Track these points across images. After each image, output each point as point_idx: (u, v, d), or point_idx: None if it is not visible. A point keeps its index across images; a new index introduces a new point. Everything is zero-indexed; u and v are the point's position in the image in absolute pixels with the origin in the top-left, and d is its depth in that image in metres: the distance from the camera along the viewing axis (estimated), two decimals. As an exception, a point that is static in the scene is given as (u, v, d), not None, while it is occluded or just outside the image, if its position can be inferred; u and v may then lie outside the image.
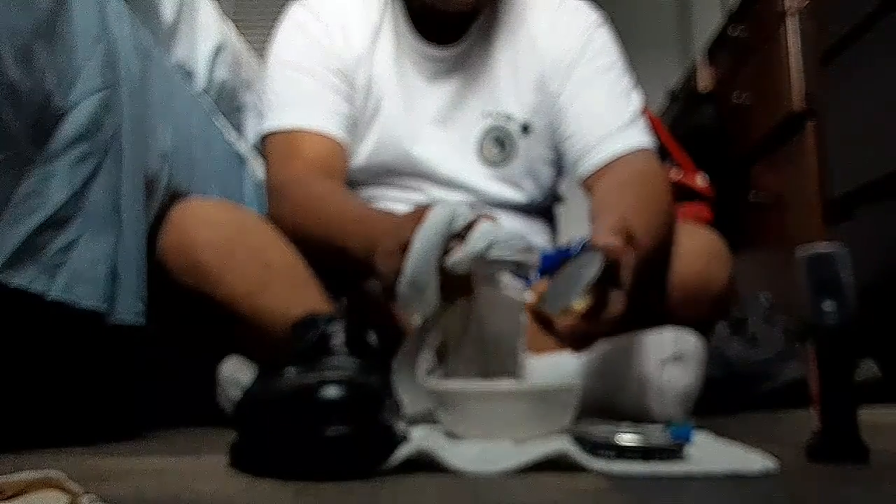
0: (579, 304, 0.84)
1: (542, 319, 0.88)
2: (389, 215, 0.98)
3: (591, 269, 0.84)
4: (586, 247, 0.89)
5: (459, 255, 0.85)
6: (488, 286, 0.91)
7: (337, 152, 1.17)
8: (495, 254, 0.85)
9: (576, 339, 0.88)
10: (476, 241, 0.85)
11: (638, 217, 0.95)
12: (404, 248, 0.85)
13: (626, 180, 1.11)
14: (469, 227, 0.87)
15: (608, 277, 0.84)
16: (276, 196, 1.13)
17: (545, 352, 1.05)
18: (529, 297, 0.98)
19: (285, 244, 1.07)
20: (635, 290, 0.85)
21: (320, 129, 1.17)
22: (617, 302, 0.84)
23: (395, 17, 1.24)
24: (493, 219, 0.90)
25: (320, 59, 1.20)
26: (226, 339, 1.05)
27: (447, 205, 0.88)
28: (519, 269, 0.88)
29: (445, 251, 0.86)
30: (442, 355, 0.92)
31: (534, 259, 0.87)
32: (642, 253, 0.88)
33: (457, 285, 0.89)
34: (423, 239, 0.85)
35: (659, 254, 1.05)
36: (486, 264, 0.86)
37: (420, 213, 0.87)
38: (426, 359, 0.91)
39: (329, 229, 1.03)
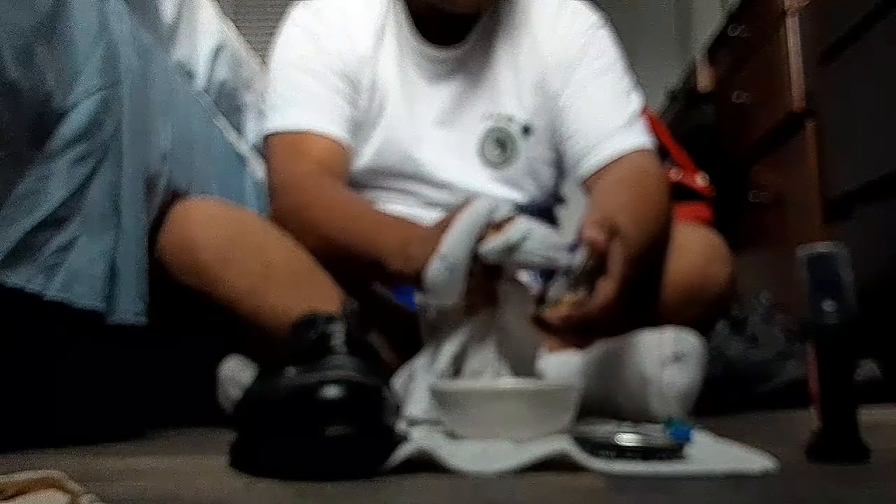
0: (568, 296, 0.86)
1: (538, 319, 0.89)
2: (414, 227, 1.01)
3: (577, 262, 0.86)
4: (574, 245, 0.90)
5: (494, 243, 0.89)
6: (513, 293, 0.92)
7: (340, 155, 1.17)
8: (529, 247, 0.88)
9: (572, 333, 0.89)
10: (513, 232, 0.89)
11: (628, 213, 0.96)
12: (441, 234, 0.90)
13: (623, 179, 1.11)
14: (508, 221, 0.91)
15: (598, 270, 0.85)
16: (281, 193, 1.13)
17: (557, 350, 1.05)
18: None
19: (286, 243, 1.07)
20: (628, 284, 0.86)
21: (324, 131, 1.16)
22: (604, 289, 0.85)
23: (398, 19, 1.24)
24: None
25: (324, 61, 1.20)
26: (226, 338, 1.05)
27: (490, 197, 0.94)
28: (547, 267, 0.90)
29: (481, 238, 0.89)
30: (458, 363, 0.92)
31: (564, 259, 0.89)
32: (631, 247, 0.89)
33: (483, 288, 0.91)
34: (465, 220, 0.90)
35: (652, 251, 1.05)
36: (516, 257, 0.88)
37: (461, 207, 0.92)
38: (443, 365, 0.91)
39: (353, 230, 1.04)
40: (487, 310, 0.93)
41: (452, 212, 0.94)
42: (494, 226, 0.90)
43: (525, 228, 0.89)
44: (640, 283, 0.94)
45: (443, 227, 0.92)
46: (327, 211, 1.08)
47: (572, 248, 0.91)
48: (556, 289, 0.88)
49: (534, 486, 0.63)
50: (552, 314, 0.87)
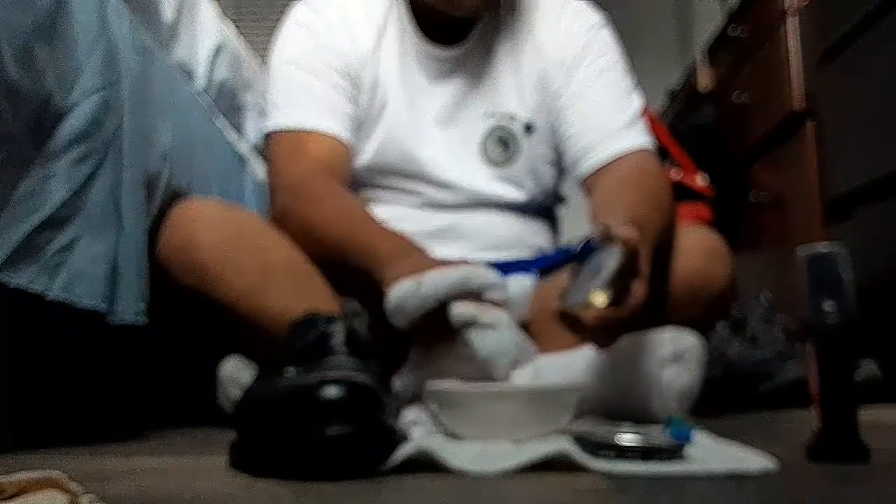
0: (602, 296, 0.85)
1: (567, 318, 0.88)
2: (414, 245, 1.02)
3: (612, 260, 0.85)
4: (590, 244, 0.89)
5: (466, 311, 0.87)
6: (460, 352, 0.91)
7: (341, 153, 1.17)
8: (489, 339, 0.87)
9: (603, 333, 0.89)
10: (488, 316, 0.88)
11: (639, 215, 0.96)
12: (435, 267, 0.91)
13: (626, 180, 1.11)
14: (495, 304, 0.90)
15: (627, 269, 0.85)
16: (282, 193, 1.13)
17: (556, 350, 1.05)
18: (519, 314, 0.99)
19: (285, 244, 1.07)
20: (650, 283, 0.86)
21: (325, 129, 1.16)
22: (639, 289, 0.86)
23: (400, 17, 1.24)
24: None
25: (325, 59, 1.20)
26: (226, 338, 1.05)
27: (499, 277, 0.92)
28: (484, 374, 0.89)
29: (461, 298, 0.88)
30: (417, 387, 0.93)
31: (502, 375, 0.88)
32: (650, 246, 0.89)
33: (430, 334, 0.91)
34: (461, 272, 0.89)
35: (660, 252, 1.05)
36: (471, 339, 0.88)
37: (470, 262, 0.93)
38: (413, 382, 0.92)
39: (351, 238, 1.04)
40: (434, 352, 0.92)
41: (462, 260, 0.94)
42: (480, 296, 0.90)
43: (499, 323, 0.88)
44: (656, 283, 0.94)
45: (443, 263, 0.93)
46: (327, 217, 1.07)
47: (588, 248, 0.90)
48: (583, 288, 0.86)
49: (534, 486, 0.63)
50: (587, 315, 0.86)
